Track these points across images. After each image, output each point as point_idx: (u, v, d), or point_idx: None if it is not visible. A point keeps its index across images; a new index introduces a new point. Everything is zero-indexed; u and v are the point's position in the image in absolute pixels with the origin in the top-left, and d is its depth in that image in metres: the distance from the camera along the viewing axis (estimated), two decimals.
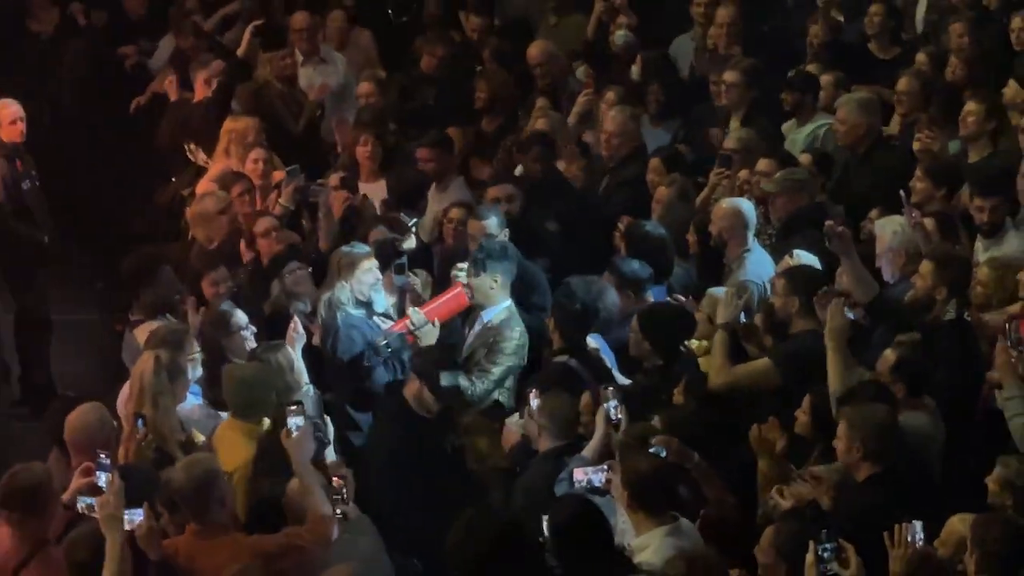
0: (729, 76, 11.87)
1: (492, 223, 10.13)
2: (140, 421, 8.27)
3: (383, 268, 10.02)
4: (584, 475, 7.75)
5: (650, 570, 7.13)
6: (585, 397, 8.62)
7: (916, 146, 10.64)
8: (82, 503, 7.51)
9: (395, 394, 9.04)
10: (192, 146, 12.69)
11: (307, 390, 9.00)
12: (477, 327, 9.55)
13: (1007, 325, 8.13)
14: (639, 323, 9.05)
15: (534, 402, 8.46)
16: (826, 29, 12.74)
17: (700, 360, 9.12)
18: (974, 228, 9.70)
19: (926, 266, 8.86)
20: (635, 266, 9.75)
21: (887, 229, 9.54)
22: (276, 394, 8.60)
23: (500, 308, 9.52)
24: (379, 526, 8.11)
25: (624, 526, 7.55)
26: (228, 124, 12.31)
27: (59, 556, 7.48)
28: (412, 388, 8.82)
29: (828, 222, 9.11)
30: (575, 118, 12.17)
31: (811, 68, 12.14)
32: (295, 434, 7.79)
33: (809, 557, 6.79)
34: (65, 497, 7.75)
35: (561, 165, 11.52)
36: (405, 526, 8.40)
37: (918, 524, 6.95)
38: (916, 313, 8.88)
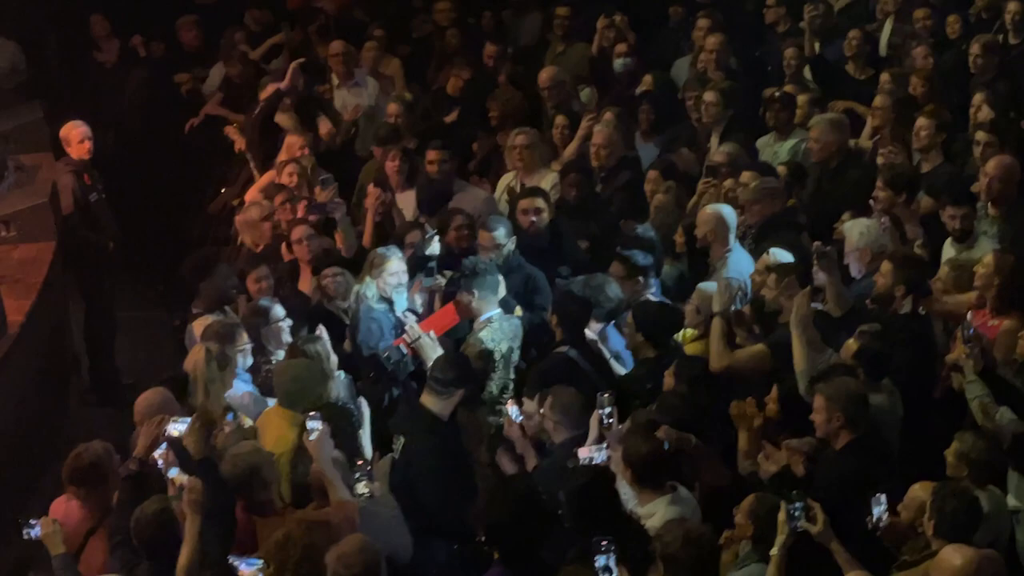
0: (708, 96, 12.32)
1: (500, 233, 10.29)
2: (231, 415, 8.61)
3: (412, 274, 10.31)
4: (588, 453, 8.03)
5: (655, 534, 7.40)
6: None
7: (879, 160, 11.04)
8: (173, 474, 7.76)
9: (418, 407, 8.92)
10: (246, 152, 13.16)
11: (339, 375, 9.36)
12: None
13: (964, 320, 8.51)
14: (634, 318, 9.32)
15: (512, 410, 8.78)
16: (810, 52, 13.09)
17: (687, 346, 9.43)
18: (935, 230, 10.03)
19: (886, 266, 9.22)
20: (639, 256, 10.03)
21: (854, 231, 9.90)
22: (320, 389, 8.84)
23: (483, 318, 9.66)
24: (424, 521, 8.35)
25: (627, 495, 7.89)
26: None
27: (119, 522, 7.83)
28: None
29: (816, 243, 9.43)
30: (579, 140, 12.28)
31: (788, 88, 12.48)
32: (314, 436, 8.04)
33: (781, 515, 7.18)
34: (139, 450, 8.00)
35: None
36: (448, 520, 8.43)
37: (883, 496, 7.38)
38: (878, 307, 9.20)
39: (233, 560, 7.20)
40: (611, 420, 8.31)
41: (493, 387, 9.57)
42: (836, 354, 8.78)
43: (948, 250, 10.02)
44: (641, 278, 9.95)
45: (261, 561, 7.14)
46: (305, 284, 10.80)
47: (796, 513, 7.20)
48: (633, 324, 9.34)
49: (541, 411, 8.61)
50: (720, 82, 12.58)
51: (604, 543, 6.94)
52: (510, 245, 10.33)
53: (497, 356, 9.56)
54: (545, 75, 13.37)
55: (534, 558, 7.36)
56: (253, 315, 9.82)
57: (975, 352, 8.24)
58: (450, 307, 9.80)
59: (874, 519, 7.40)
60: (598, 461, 7.99)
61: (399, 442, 8.87)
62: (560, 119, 12.67)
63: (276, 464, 8.19)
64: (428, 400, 8.77)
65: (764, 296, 9.51)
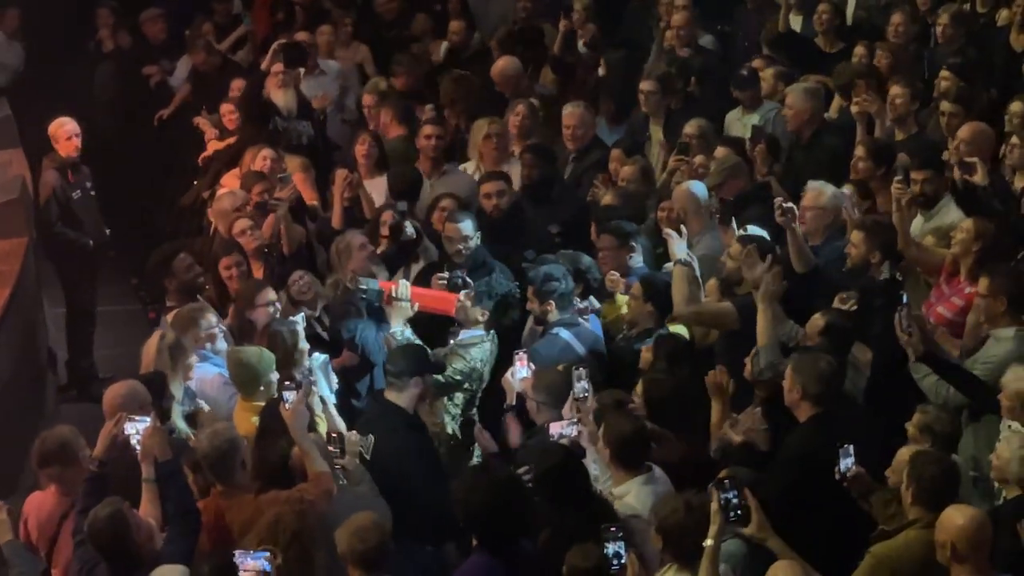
0: (645, 85, 12.04)
1: (467, 226, 10.10)
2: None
3: (398, 263, 10.31)
4: (559, 429, 8.06)
5: (633, 514, 7.42)
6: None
7: (854, 109, 10.84)
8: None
9: (389, 406, 8.61)
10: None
11: (315, 357, 9.05)
12: (451, 341, 9.39)
13: (905, 307, 8.20)
14: (643, 290, 9.24)
15: (518, 364, 8.65)
16: (784, 27, 12.82)
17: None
18: None
19: (856, 235, 9.05)
20: (626, 224, 9.99)
21: (827, 191, 9.73)
22: (269, 374, 8.62)
23: (476, 334, 9.35)
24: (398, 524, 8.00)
25: (596, 472, 7.83)
26: None
27: None
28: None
29: (777, 199, 9.26)
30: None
31: (755, 63, 12.30)
32: (289, 405, 7.91)
33: (713, 505, 6.83)
34: (97, 451, 7.83)
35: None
36: (420, 518, 8.26)
37: (851, 447, 7.28)
38: (854, 277, 9.04)
39: (238, 556, 6.98)
40: (586, 394, 8.20)
41: (460, 401, 9.34)
42: (797, 327, 8.62)
43: (916, 221, 9.77)
44: (633, 243, 9.85)
45: (267, 552, 6.95)
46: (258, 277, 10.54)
47: (734, 501, 6.84)
48: (642, 295, 9.22)
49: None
50: (657, 68, 12.36)
51: (613, 529, 6.77)
52: (476, 239, 10.11)
53: (483, 375, 9.34)
54: (495, 70, 13.00)
55: (514, 544, 7.22)
56: (241, 297, 9.64)
57: (914, 340, 8.00)
58: (450, 301, 9.45)
59: (842, 470, 7.27)
60: (568, 435, 7.95)
61: (368, 442, 8.50)
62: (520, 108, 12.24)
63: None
64: (391, 395, 8.56)
65: (727, 265, 9.34)
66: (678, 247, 9.13)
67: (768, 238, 9.31)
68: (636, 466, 7.66)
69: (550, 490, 7.46)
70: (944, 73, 11.04)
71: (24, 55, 15.25)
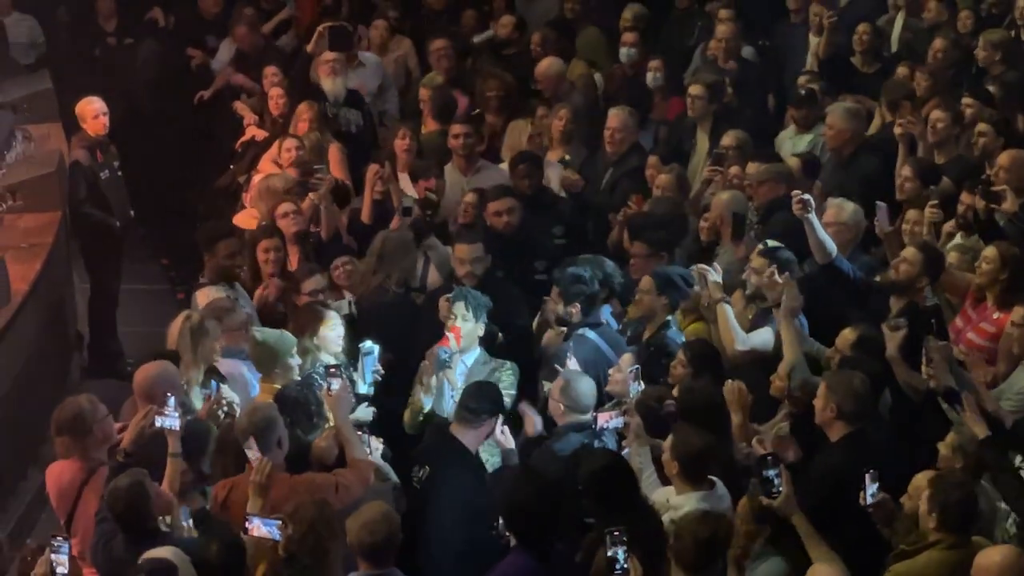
0: (694, 89, 11.88)
1: (481, 247, 9.89)
2: (215, 384, 8.48)
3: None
4: (605, 420, 8.03)
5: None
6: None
7: (897, 130, 10.70)
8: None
9: (448, 437, 8.36)
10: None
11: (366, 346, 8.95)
12: (461, 367, 9.04)
13: (928, 339, 8.06)
14: (656, 283, 9.16)
15: (569, 361, 8.64)
16: (831, 45, 12.67)
17: (687, 329, 9.20)
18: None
19: (915, 255, 8.91)
20: (660, 233, 9.96)
21: (847, 207, 9.65)
22: (286, 357, 8.62)
23: (479, 352, 9.15)
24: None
25: (639, 466, 7.77)
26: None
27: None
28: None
29: (794, 191, 9.21)
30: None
31: (800, 81, 12.22)
32: (334, 393, 7.91)
33: (754, 480, 6.97)
34: (125, 441, 7.84)
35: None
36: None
37: (877, 473, 7.14)
38: (890, 288, 8.97)
39: (252, 519, 7.08)
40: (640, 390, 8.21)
41: None
42: (819, 344, 8.60)
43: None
44: (664, 254, 9.79)
45: (279, 521, 6.99)
46: (293, 262, 10.49)
47: (775, 479, 6.98)
48: (654, 288, 9.15)
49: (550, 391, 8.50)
50: (706, 75, 12.29)
51: (616, 532, 6.64)
52: (487, 262, 9.93)
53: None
54: (539, 69, 12.89)
55: (552, 544, 7.19)
56: (212, 310, 9.28)
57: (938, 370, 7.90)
58: (456, 330, 9.19)
59: (867, 495, 7.17)
60: (617, 426, 7.94)
61: (422, 472, 8.31)
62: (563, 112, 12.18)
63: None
64: (458, 430, 8.31)
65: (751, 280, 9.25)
66: (714, 283, 9.02)
67: (788, 251, 9.20)
68: (699, 482, 7.51)
69: (595, 492, 7.35)
70: (966, 100, 11.00)
71: (40, 29, 15.14)
